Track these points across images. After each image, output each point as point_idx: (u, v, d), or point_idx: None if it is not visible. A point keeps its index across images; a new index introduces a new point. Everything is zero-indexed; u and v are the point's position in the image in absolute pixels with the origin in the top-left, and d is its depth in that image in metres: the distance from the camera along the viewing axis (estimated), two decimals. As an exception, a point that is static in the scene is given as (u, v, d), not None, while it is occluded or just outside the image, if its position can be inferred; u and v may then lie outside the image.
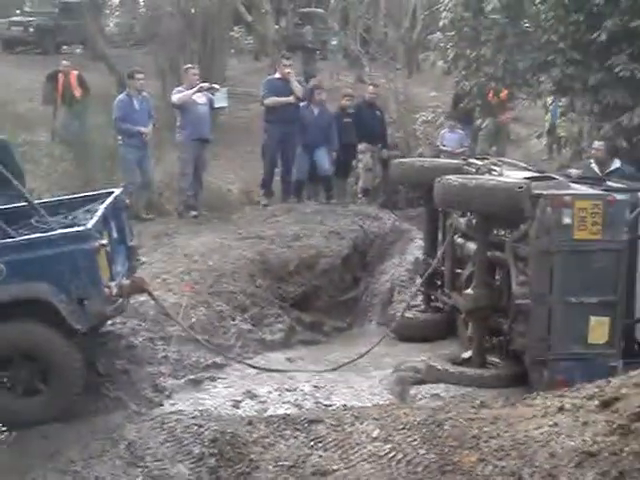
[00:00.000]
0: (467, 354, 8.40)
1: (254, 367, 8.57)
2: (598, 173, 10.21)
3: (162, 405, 7.27)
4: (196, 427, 5.47)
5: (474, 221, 8.65)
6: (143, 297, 8.70)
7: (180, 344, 8.29)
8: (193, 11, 18.35)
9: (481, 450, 4.73)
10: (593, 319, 7.66)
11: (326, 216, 12.20)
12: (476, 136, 17.17)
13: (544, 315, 7.64)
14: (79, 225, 7.12)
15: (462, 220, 9.16)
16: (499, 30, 12.52)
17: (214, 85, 13.27)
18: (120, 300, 7.26)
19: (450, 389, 7.72)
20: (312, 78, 17.62)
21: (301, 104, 13.33)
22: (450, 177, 8.41)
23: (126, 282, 7.38)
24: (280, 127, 13.06)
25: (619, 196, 7.87)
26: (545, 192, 7.71)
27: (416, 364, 8.49)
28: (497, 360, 8.27)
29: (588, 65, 11.41)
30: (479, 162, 9.95)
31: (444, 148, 15.26)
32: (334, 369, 8.62)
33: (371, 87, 15.44)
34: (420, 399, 7.55)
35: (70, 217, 7.78)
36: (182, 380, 7.85)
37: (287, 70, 13.37)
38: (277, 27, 25.45)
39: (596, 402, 5.11)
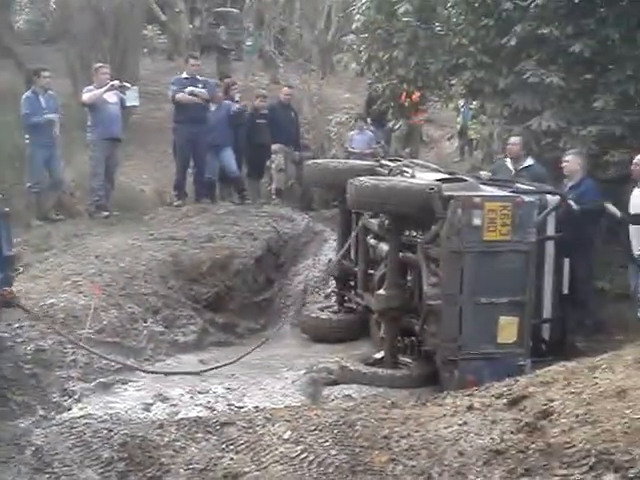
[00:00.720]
0: (379, 354, 8.45)
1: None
2: (512, 169, 10.43)
3: (71, 409, 7.15)
4: (105, 431, 5.37)
5: (386, 222, 8.72)
6: (51, 300, 8.58)
7: (90, 347, 8.14)
8: (104, 9, 17.99)
9: (392, 450, 4.76)
10: (502, 319, 7.78)
11: (239, 217, 12.18)
12: (389, 138, 17.32)
13: (455, 315, 7.73)
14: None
15: (374, 221, 9.23)
16: (411, 33, 12.59)
17: (125, 84, 13.10)
18: None
19: (362, 390, 7.76)
20: (227, 78, 17.54)
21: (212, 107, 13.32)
22: (362, 178, 8.46)
23: None
24: (189, 127, 12.98)
25: (527, 198, 8.02)
26: (456, 194, 7.80)
27: (329, 365, 8.52)
28: (409, 360, 8.34)
29: (498, 69, 11.59)
30: (391, 164, 10.03)
31: (352, 150, 15.35)
32: (198, 372, 8.51)
33: (285, 88, 15.47)
34: (332, 400, 7.57)
35: None
36: (92, 384, 7.72)
37: (194, 69, 13.33)
38: (191, 27, 25.21)
39: (504, 401, 5.20)
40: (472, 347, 7.75)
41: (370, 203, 8.44)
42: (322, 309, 10.37)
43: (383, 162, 10.48)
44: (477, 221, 7.65)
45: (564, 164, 9.79)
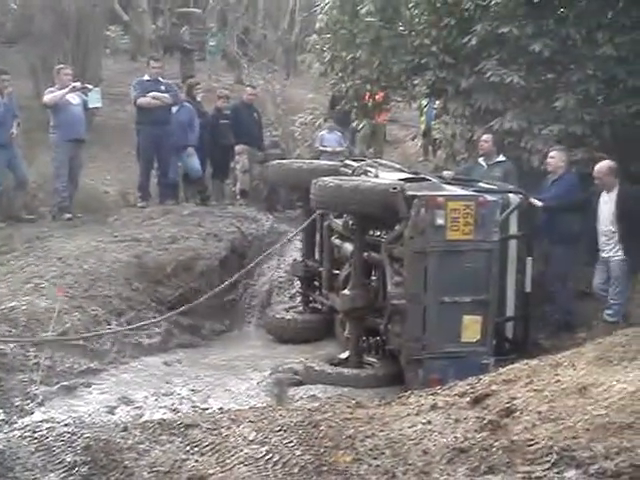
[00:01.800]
0: (344, 354, 8.47)
1: None
2: (484, 165, 10.54)
3: (33, 413, 7.08)
4: (68, 435, 5.31)
5: (350, 222, 8.73)
6: (12, 303, 8.51)
7: (53, 350, 8.09)
8: (66, 9, 17.85)
9: (356, 450, 4.75)
10: (466, 318, 7.83)
11: (204, 218, 12.15)
12: (354, 138, 17.37)
13: (419, 315, 7.76)
14: None
15: (339, 221, 9.24)
16: (374, 33, 12.61)
17: (87, 85, 13.04)
18: None
19: (328, 390, 7.78)
20: (190, 79, 17.51)
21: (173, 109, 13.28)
22: (326, 179, 8.47)
23: None
24: (152, 129, 12.92)
25: (490, 197, 8.07)
26: (419, 193, 7.84)
27: (294, 365, 8.53)
28: (374, 360, 8.37)
29: (460, 69, 11.65)
30: (355, 163, 10.06)
31: (324, 148, 15.41)
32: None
33: (249, 88, 15.46)
34: (297, 400, 7.58)
35: None
36: (55, 387, 7.66)
37: (155, 71, 13.27)
38: (154, 27, 25.10)
39: (467, 399, 5.22)
40: (436, 346, 7.79)
41: (334, 203, 8.45)
42: (287, 310, 10.38)
43: (347, 162, 10.51)
44: (440, 220, 7.69)
45: (549, 160, 9.89)
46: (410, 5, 12.67)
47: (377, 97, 14.54)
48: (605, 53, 10.28)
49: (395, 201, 7.81)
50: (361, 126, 14.75)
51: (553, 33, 10.66)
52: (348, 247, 9.03)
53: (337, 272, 9.61)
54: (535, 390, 5.02)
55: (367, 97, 14.31)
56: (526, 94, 11.18)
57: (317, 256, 10.45)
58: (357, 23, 13.05)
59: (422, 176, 9.06)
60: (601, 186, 9.18)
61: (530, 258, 8.92)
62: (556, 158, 9.81)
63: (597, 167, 9.15)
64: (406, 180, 8.45)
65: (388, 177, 8.88)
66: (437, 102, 13.74)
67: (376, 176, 9.10)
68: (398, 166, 10.49)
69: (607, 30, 10.42)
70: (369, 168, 9.61)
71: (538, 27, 10.63)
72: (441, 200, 7.74)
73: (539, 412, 4.64)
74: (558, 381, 5.08)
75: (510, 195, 8.91)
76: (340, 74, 14.04)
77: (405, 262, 7.95)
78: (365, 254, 8.56)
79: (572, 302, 9.81)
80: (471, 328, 7.87)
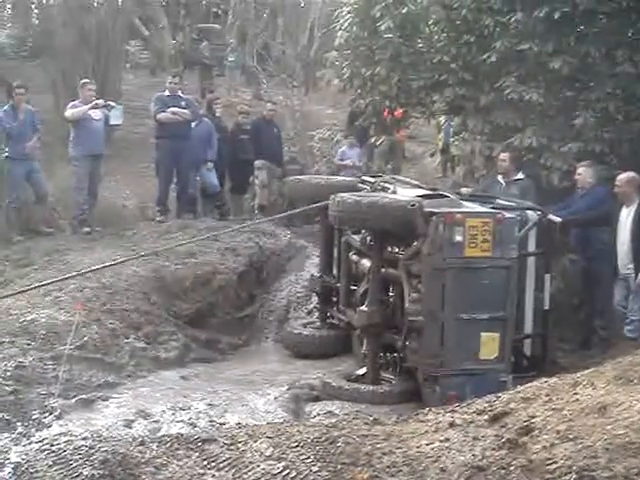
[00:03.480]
0: (361, 371, 8.45)
1: None
2: (502, 183, 10.51)
3: (51, 426, 7.09)
4: (86, 448, 5.31)
5: (368, 238, 8.72)
6: (32, 316, 8.55)
7: (71, 363, 8.11)
8: (87, 24, 18.00)
9: (374, 467, 4.74)
10: (484, 335, 7.80)
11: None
12: (372, 154, 17.36)
13: (436, 331, 7.73)
14: None
15: (356, 237, 9.24)
16: (393, 50, 12.65)
17: (110, 102, 13.13)
18: None
19: (345, 406, 7.75)
20: (210, 94, 17.60)
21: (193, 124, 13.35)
22: (345, 194, 8.47)
23: None
24: (171, 143, 12.98)
25: (508, 214, 8.05)
26: (437, 210, 7.82)
27: (311, 381, 8.51)
28: (391, 376, 8.34)
29: (479, 86, 11.66)
30: (373, 180, 10.05)
31: (344, 162, 15.48)
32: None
33: (269, 104, 15.53)
34: (315, 416, 7.56)
35: None
36: (73, 400, 7.65)
37: (172, 87, 13.36)
38: (174, 42, 25.25)
39: (486, 417, 5.19)
40: (453, 363, 7.76)
41: (353, 219, 8.45)
42: (305, 325, 10.37)
43: (364, 178, 10.51)
44: (458, 237, 7.67)
45: (577, 176, 9.90)
46: (429, 22, 12.73)
47: (396, 113, 14.56)
48: (624, 71, 10.29)
49: (413, 218, 7.80)
50: (380, 142, 14.76)
51: (573, 51, 10.67)
52: (366, 263, 9.02)
53: (354, 288, 9.60)
54: (554, 409, 4.99)
55: (386, 113, 14.32)
56: (545, 111, 11.17)
57: (335, 272, 10.43)
58: (376, 40, 13.08)
59: (440, 192, 9.04)
60: (621, 197, 9.17)
61: (548, 275, 8.88)
62: (583, 174, 9.82)
63: (619, 177, 9.17)
64: (424, 197, 8.44)
65: (406, 193, 8.87)
66: (456, 119, 13.72)
67: (394, 192, 9.10)
68: (416, 182, 10.48)
69: (627, 48, 10.43)
70: (387, 184, 9.61)
71: (558, 45, 10.64)
72: (459, 217, 7.72)
73: (558, 431, 4.61)
74: (577, 400, 5.05)
75: (528, 212, 8.87)
76: (359, 90, 14.06)
77: (423, 279, 7.94)
78: (383, 270, 8.54)
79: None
80: (489, 345, 7.83)
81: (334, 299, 10.30)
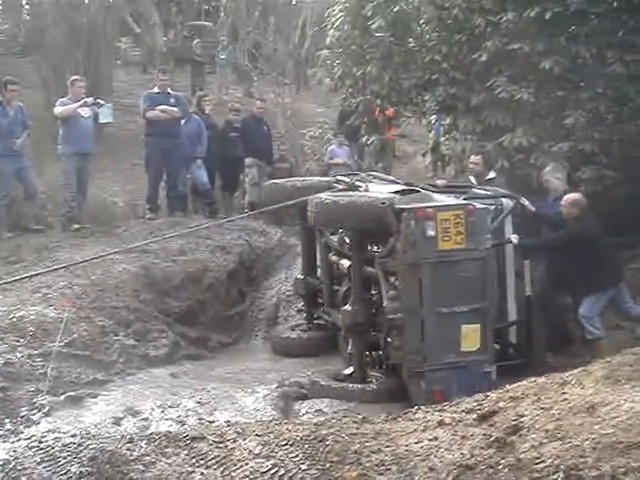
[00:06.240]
0: (348, 370, 8.45)
1: None
2: (474, 183, 10.54)
3: (39, 423, 7.07)
4: (74, 445, 5.30)
5: (346, 238, 8.72)
6: (21, 313, 8.53)
7: (60, 360, 8.09)
8: (78, 21, 17.95)
9: (363, 465, 4.74)
10: (464, 327, 7.77)
11: (212, 230, 12.13)
12: (362, 152, 17.38)
13: (417, 327, 7.69)
14: None
15: (335, 238, 9.25)
16: (384, 49, 12.65)
17: (99, 100, 13.09)
18: None
19: (334, 404, 7.76)
20: (200, 91, 17.60)
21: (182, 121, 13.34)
22: (321, 195, 8.47)
23: None
24: (160, 141, 12.96)
25: (479, 205, 8.05)
26: (408, 206, 7.78)
27: (300, 379, 8.51)
28: (378, 374, 8.34)
29: (470, 85, 11.66)
30: (347, 179, 10.02)
31: (333, 162, 15.51)
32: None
33: (258, 102, 15.53)
34: (304, 415, 7.57)
35: None
36: (61, 397, 7.65)
37: (163, 84, 13.34)
38: (165, 39, 25.22)
39: (474, 416, 5.20)
40: (436, 358, 7.72)
41: (330, 220, 8.46)
42: (292, 328, 10.37)
43: (339, 178, 10.45)
44: (431, 232, 7.63)
45: (544, 182, 9.90)
46: (421, 21, 12.72)
47: (387, 112, 14.57)
48: (615, 71, 10.30)
49: (385, 215, 7.79)
50: (371, 141, 14.76)
51: (564, 51, 10.68)
52: (345, 263, 9.03)
53: (337, 288, 9.60)
54: (542, 408, 5.00)
55: (377, 112, 14.33)
56: (536, 111, 11.18)
57: (319, 273, 10.42)
58: (368, 39, 13.07)
59: (412, 188, 8.99)
60: (566, 216, 9.13)
61: (527, 261, 8.89)
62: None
63: (564, 197, 9.15)
64: (397, 192, 8.43)
65: (379, 191, 8.84)
66: (447, 118, 13.74)
67: (367, 190, 9.08)
68: (392, 178, 10.48)
69: (617, 49, 10.44)
70: (359, 183, 9.58)
71: (549, 44, 10.64)
72: (430, 211, 7.68)
73: (546, 430, 4.62)
74: (565, 399, 5.06)
75: (503, 200, 8.89)
76: (350, 89, 14.06)
77: (399, 275, 7.92)
78: (363, 269, 8.54)
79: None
80: (470, 337, 7.80)
81: (320, 300, 10.30)
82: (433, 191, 8.77)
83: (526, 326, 8.93)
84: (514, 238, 8.80)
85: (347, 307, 8.49)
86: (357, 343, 8.44)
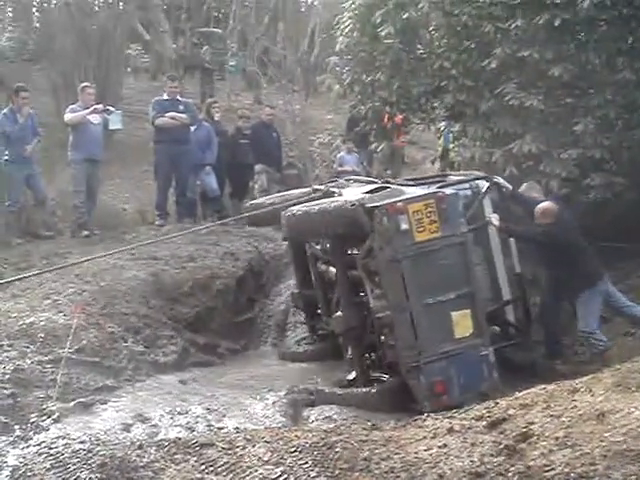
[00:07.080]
0: (351, 375, 8.44)
1: None
2: None
3: (49, 430, 7.07)
4: (84, 452, 5.33)
5: (327, 245, 8.71)
6: (31, 319, 8.55)
7: (70, 367, 8.10)
8: (88, 28, 18.02)
9: (372, 472, 4.75)
10: (454, 314, 7.75)
11: (221, 237, 12.17)
12: (371, 159, 17.38)
13: (407, 323, 7.66)
14: None
15: (318, 247, 9.24)
16: (394, 55, 12.63)
17: (109, 107, 13.15)
18: None
19: (343, 411, 7.75)
20: (209, 98, 17.63)
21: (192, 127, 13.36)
22: (293, 208, 8.48)
23: None
24: (170, 147, 13.00)
25: (449, 190, 8.02)
26: (378, 204, 7.77)
27: (309, 386, 8.50)
28: (381, 375, 8.30)
29: (479, 92, 11.64)
30: (321, 187, 9.99)
31: (342, 168, 15.52)
32: None
33: (268, 109, 15.55)
34: (313, 422, 7.56)
35: None
36: (71, 404, 7.64)
37: (172, 91, 13.38)
38: (175, 46, 25.27)
39: (484, 423, 5.20)
40: (431, 349, 7.68)
41: (305, 230, 8.47)
42: (298, 342, 10.36)
43: (315, 187, 10.39)
44: (404, 225, 7.62)
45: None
46: (430, 28, 12.70)
47: (396, 119, 14.57)
48: (624, 78, 10.27)
49: (357, 216, 7.78)
50: (380, 148, 14.75)
51: (573, 58, 10.65)
52: (332, 270, 9.02)
53: (331, 296, 9.58)
54: (552, 415, 4.99)
55: (386, 119, 14.32)
56: (545, 118, 11.14)
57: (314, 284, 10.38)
58: (377, 45, 13.05)
59: (383, 185, 8.91)
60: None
61: (513, 239, 8.86)
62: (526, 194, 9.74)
63: (537, 207, 8.97)
64: (370, 192, 8.40)
65: (351, 194, 8.81)
66: (456, 125, 13.72)
67: (340, 195, 9.05)
68: (369, 179, 10.46)
69: (627, 55, 10.42)
70: (333, 189, 9.56)
71: (558, 51, 10.61)
72: (401, 205, 7.66)
73: (556, 438, 4.62)
74: (575, 407, 5.06)
75: (479, 182, 8.86)
76: (359, 96, 14.05)
77: (380, 273, 7.88)
78: (349, 273, 8.52)
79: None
80: (462, 323, 7.77)
81: (318, 311, 10.27)
82: (407, 185, 8.74)
83: (522, 303, 8.90)
84: (494, 219, 8.68)
85: (338, 313, 8.48)
86: (355, 347, 8.44)
